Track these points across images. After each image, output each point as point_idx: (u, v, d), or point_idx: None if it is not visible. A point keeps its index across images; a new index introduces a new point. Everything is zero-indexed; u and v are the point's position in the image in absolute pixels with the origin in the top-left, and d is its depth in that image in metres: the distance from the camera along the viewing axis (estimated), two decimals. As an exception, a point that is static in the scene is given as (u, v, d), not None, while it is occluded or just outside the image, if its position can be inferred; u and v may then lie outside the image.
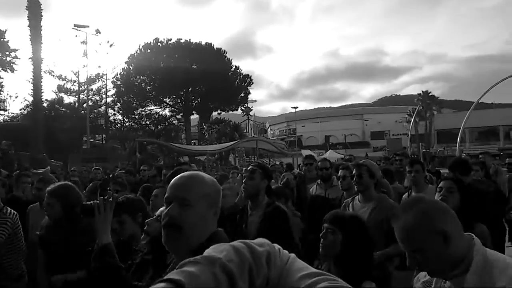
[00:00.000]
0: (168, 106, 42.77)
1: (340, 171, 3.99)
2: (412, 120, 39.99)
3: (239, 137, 34.09)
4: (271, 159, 40.22)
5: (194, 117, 48.09)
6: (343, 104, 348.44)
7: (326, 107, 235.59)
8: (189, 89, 41.33)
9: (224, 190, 4.12)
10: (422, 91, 50.77)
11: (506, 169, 6.22)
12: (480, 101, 26.98)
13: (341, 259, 2.00)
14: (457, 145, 24.39)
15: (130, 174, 7.71)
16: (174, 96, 42.09)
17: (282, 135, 71.03)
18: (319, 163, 4.90)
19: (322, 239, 2.07)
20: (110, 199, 2.01)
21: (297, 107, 61.02)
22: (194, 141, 44.65)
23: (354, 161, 9.05)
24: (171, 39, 40.58)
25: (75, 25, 26.57)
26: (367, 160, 3.72)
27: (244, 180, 2.99)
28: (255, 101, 59.64)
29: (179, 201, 1.37)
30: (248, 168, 3.04)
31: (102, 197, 2.01)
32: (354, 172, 3.38)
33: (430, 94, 50.19)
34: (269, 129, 79.09)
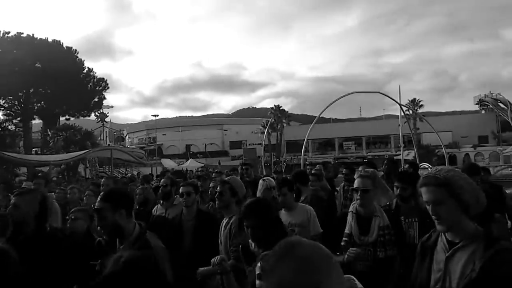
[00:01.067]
0: (2, 108, 36.51)
1: (181, 187, 3.91)
2: (266, 132, 43.23)
3: (91, 145, 31.29)
4: (127, 169, 38.18)
5: (37, 122, 42.26)
6: (205, 113, 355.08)
7: (188, 116, 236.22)
8: (30, 91, 36.14)
9: (75, 213, 3.55)
10: (274, 105, 55.74)
11: (343, 178, 6.84)
12: (321, 116, 30.84)
13: None
14: (302, 155, 27.30)
15: None
16: (11, 98, 36.21)
17: (142, 143, 68.13)
18: (161, 180, 4.70)
19: None
20: None
21: (157, 115, 59.76)
22: (36, 149, 39.24)
23: (205, 172, 9.28)
24: (9, 32, 35.12)
25: None
26: (231, 178, 3.75)
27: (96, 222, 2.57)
28: (112, 106, 55.90)
29: None
30: None
31: None
32: (217, 188, 3.42)
33: (281, 108, 55.40)
34: (127, 137, 74.94)
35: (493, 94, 53.02)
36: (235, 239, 3.09)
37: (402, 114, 33.00)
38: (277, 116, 53.47)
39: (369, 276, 2.60)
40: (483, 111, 56.25)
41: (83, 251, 3.00)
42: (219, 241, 3.35)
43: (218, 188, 3.40)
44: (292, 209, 3.66)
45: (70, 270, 2.67)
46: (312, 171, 6.51)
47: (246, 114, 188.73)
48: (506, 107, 48.61)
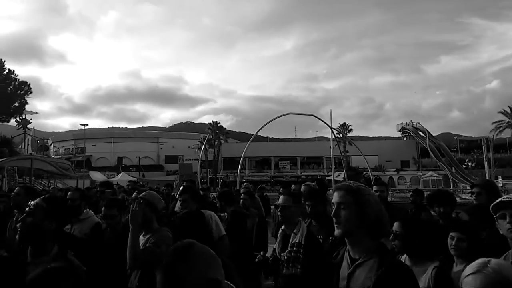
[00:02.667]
0: None
1: (104, 209, 3.75)
2: (203, 147, 42.93)
3: (9, 153, 28.51)
4: (51, 181, 35.24)
5: None
6: (141, 126, 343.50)
7: (122, 127, 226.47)
8: None
9: None
10: (212, 121, 55.67)
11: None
12: (258, 135, 31.43)
13: None
14: (238, 172, 27.46)
15: None
16: None
17: (69, 153, 63.73)
18: (69, 193, 4.35)
19: None
20: None
21: (87, 125, 56.22)
22: None
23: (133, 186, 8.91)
24: None
25: None
26: (147, 193, 3.56)
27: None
28: (36, 113, 51.57)
29: None
30: None
31: None
32: (132, 207, 3.21)
33: (219, 125, 55.43)
34: (52, 146, 69.68)
35: (414, 123, 58.05)
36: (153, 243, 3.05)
37: (333, 137, 34.81)
38: (215, 132, 53.39)
39: None
40: (405, 138, 61.24)
41: None
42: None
43: (134, 206, 3.12)
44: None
45: None
46: (242, 190, 6.77)
47: (184, 128, 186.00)
48: (424, 135, 53.46)
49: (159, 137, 72.84)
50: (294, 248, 3.03)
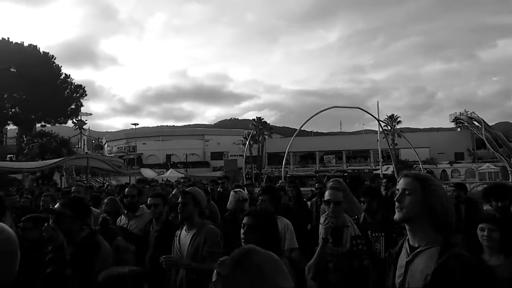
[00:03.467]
0: (-26, 113, 35.28)
1: (149, 199, 3.93)
2: (247, 143, 43.20)
3: (67, 153, 30.44)
4: (105, 178, 37.30)
5: (13, 127, 41.04)
6: (187, 123, 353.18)
7: (170, 126, 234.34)
8: (4, 96, 35.06)
9: (25, 222, 3.51)
10: (256, 117, 55.87)
11: (316, 192, 6.80)
12: (302, 129, 31.07)
13: None
14: (283, 167, 27.34)
15: None
16: (-16, 102, 35.08)
17: (121, 152, 66.88)
18: (126, 190, 4.58)
19: None
20: None
21: (137, 124, 58.78)
22: (11, 155, 37.96)
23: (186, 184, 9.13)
24: (-18, 36, 34.06)
25: None
26: (193, 188, 3.72)
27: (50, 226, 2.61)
28: (90, 114, 54.79)
29: None
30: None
31: None
32: (179, 200, 3.39)
33: (262, 120, 55.56)
34: (106, 146, 73.50)
35: (468, 113, 54.65)
36: (211, 247, 3.10)
37: (381, 129, 33.65)
38: (259, 128, 53.57)
39: None
40: (458, 129, 57.87)
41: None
42: (175, 251, 3.31)
43: (180, 198, 3.38)
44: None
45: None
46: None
47: (228, 125, 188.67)
48: (480, 125, 50.16)
49: (205, 134, 74.42)
50: (358, 241, 2.95)
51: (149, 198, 3.93)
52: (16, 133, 40.47)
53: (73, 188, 4.89)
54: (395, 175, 23.16)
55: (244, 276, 1.05)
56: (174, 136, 74.87)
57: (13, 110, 36.57)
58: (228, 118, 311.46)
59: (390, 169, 37.18)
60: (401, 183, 1.79)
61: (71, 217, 2.57)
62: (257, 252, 1.12)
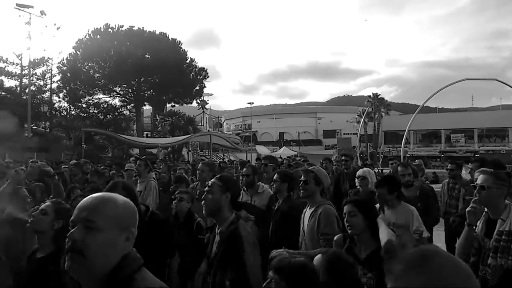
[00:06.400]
0: (118, 95, 41.02)
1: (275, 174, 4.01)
2: (362, 121, 41.44)
3: (193, 131, 33.42)
4: (225, 154, 40.09)
5: (148, 108, 46.72)
6: (300, 101, 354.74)
7: (283, 104, 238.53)
8: (141, 79, 39.85)
9: (181, 194, 4.13)
10: (372, 93, 52.91)
11: (448, 174, 6.35)
12: (425, 105, 28.38)
13: None
14: (402, 146, 25.50)
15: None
16: (125, 86, 40.42)
17: (238, 130, 70.96)
18: (244, 169, 4.69)
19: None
20: None
21: (253, 103, 61.31)
22: (147, 132, 43.38)
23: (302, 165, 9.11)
24: (123, 26, 38.82)
25: (17, 5, 24.59)
26: (315, 167, 3.71)
27: (203, 196, 2.64)
28: (211, 94, 59.13)
29: (84, 224, 1.25)
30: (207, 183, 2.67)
31: None
32: (301, 177, 3.40)
33: (379, 97, 52.37)
34: (224, 124, 78.68)
35: None
36: (325, 228, 3.11)
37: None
38: (375, 105, 50.66)
39: None
40: None
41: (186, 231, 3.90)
42: (301, 230, 3.36)
43: (302, 177, 3.39)
44: (394, 208, 3.59)
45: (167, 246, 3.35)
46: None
47: (342, 102, 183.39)
48: None
49: (317, 112, 73.89)
50: (503, 237, 2.57)
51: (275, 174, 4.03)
52: (151, 113, 46.02)
53: (199, 165, 5.29)
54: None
55: (417, 280, 0.93)
56: (287, 114, 76.20)
57: (148, 92, 41.49)
58: (342, 95, 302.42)
59: (536, 150, 31.60)
60: None
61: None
62: (437, 256, 0.98)
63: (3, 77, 32.13)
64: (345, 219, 2.73)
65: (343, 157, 6.89)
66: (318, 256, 1.93)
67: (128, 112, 41.83)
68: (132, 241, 1.33)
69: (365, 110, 45.58)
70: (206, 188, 2.61)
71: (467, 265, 1.00)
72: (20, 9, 25.28)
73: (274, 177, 3.93)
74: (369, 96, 52.87)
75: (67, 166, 8.87)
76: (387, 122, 51.94)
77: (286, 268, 1.83)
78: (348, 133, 57.42)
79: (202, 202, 2.60)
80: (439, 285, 0.92)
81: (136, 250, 1.35)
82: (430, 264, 0.95)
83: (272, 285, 1.81)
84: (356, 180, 4.84)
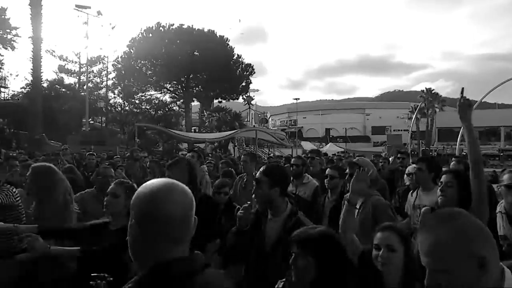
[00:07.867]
0: (169, 92, 42.53)
1: (328, 169, 3.98)
2: (414, 117, 39.76)
3: (239, 126, 33.92)
4: (270, 150, 40.19)
5: (196, 104, 47.99)
6: (347, 97, 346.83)
7: (329, 100, 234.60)
8: (190, 76, 41.03)
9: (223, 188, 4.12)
10: (426, 88, 50.50)
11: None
12: (483, 101, 26.69)
13: (318, 285, 1.70)
14: (457, 144, 24.15)
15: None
16: (175, 82, 41.83)
17: (283, 125, 70.76)
18: (292, 160, 4.81)
19: (292, 266, 1.74)
20: None
21: (298, 98, 60.82)
22: (195, 128, 44.59)
23: (348, 158, 8.95)
24: (173, 24, 40.15)
25: (76, 6, 26.28)
26: (360, 159, 3.65)
27: (253, 191, 2.68)
28: (258, 90, 59.43)
29: None
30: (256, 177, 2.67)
31: None
32: (347, 170, 3.37)
33: (433, 92, 49.87)
34: (270, 119, 78.84)
35: None
36: (380, 221, 2.94)
37: None
38: (429, 100, 48.28)
39: None
40: None
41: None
42: None
43: (348, 170, 3.37)
44: (429, 190, 3.55)
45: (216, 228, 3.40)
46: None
47: (392, 98, 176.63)
48: None
49: (366, 108, 71.85)
50: None
51: (327, 169, 4.06)
52: (199, 109, 47.26)
53: (242, 156, 5.49)
54: None
55: (447, 233, 1.12)
56: (333, 110, 74.81)
57: (197, 88, 42.65)
58: (392, 90, 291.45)
59: None
60: None
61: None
62: (463, 216, 1.18)
63: (63, 75, 34.52)
64: (439, 189, 2.69)
65: (398, 154, 6.68)
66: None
67: (177, 108, 43.27)
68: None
69: (418, 105, 43.63)
70: (254, 183, 2.63)
71: (486, 227, 1.19)
72: (78, 10, 26.99)
73: (331, 173, 3.91)
74: (422, 91, 50.54)
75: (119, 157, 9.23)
76: (442, 118, 49.25)
77: (311, 241, 1.69)
78: (399, 130, 55.29)
79: (253, 196, 2.63)
80: (464, 238, 1.11)
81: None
82: (457, 220, 1.16)
83: (299, 262, 1.69)
84: (406, 177, 4.68)
